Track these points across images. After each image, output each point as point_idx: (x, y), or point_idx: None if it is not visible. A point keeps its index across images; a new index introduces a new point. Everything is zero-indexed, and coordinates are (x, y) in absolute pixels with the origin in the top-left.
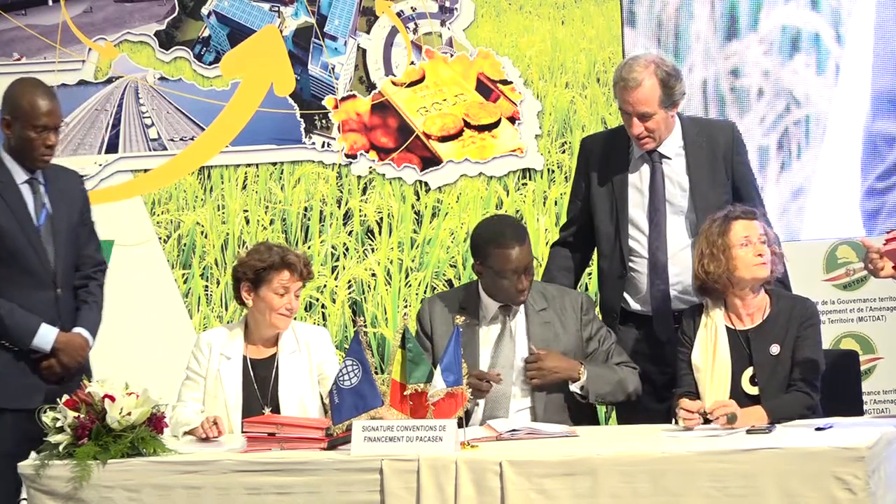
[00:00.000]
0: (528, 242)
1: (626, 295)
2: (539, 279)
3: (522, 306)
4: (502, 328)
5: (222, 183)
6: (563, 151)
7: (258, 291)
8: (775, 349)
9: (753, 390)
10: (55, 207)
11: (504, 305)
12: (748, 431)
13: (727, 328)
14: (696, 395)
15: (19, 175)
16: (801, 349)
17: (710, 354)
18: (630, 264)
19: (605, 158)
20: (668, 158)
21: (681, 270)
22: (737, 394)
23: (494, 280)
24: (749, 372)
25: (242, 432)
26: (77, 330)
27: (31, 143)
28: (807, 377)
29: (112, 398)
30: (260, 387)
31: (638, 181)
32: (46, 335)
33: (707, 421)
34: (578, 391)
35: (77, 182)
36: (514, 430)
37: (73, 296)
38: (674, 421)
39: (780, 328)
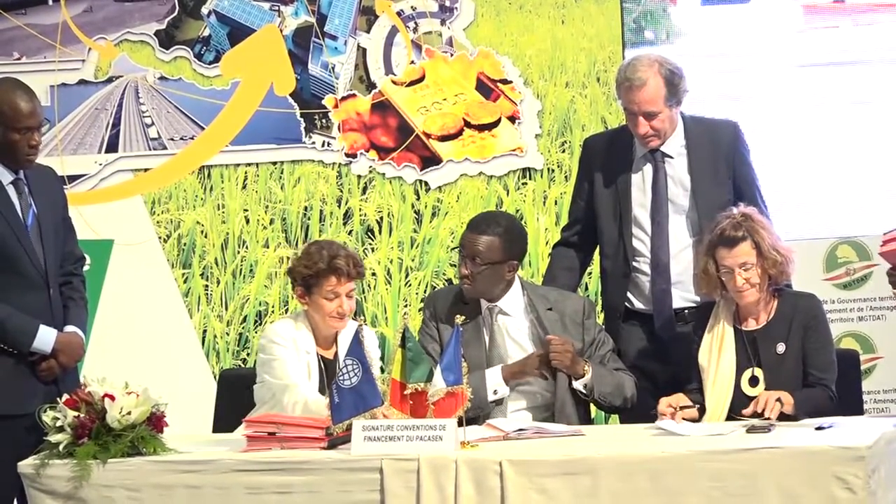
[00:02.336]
0: (499, 238)
1: (629, 294)
2: (542, 279)
3: (521, 307)
4: (491, 328)
5: (222, 182)
6: (563, 151)
7: (310, 296)
8: (781, 348)
9: (752, 391)
10: (40, 207)
11: (489, 306)
12: (748, 431)
13: (735, 328)
14: (701, 392)
15: (5, 176)
16: (813, 350)
17: (715, 355)
18: (634, 264)
19: (608, 158)
20: (671, 157)
21: (682, 269)
22: (738, 395)
23: None
24: (748, 373)
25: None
26: (72, 329)
27: (16, 145)
28: (824, 379)
29: (112, 397)
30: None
31: (641, 181)
32: (46, 337)
33: (760, 415)
34: (582, 388)
35: (55, 179)
36: (521, 430)
37: (59, 293)
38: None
39: (785, 327)
